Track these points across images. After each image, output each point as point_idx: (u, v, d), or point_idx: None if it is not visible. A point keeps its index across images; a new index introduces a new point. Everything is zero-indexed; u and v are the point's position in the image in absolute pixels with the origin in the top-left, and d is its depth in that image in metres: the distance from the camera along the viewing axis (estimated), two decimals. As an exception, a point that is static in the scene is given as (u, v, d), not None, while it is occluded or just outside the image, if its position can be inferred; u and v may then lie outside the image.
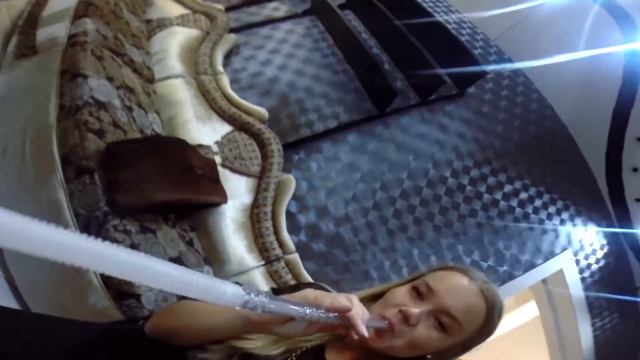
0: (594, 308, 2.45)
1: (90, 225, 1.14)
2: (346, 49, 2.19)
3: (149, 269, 0.26)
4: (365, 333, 0.48)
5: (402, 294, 0.60)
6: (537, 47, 2.51)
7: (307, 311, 0.42)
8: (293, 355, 0.58)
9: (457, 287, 0.59)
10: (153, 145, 1.37)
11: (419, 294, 0.59)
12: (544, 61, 2.36)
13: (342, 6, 2.44)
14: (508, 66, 2.54)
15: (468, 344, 0.61)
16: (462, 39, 2.52)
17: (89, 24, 1.51)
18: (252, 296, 0.35)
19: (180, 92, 1.81)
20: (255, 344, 0.57)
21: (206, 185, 1.44)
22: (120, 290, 1.12)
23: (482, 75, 2.15)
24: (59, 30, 1.51)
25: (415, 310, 0.56)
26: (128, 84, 1.53)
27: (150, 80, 1.82)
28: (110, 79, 1.42)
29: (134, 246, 1.14)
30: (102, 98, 1.31)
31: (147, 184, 1.23)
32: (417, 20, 2.20)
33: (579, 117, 2.47)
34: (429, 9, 2.47)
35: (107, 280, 1.13)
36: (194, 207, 1.48)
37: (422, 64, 2.00)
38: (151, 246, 1.21)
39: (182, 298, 1.31)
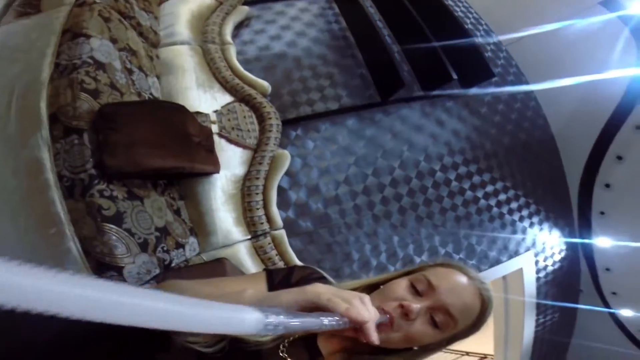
0: (540, 305, 2.64)
1: (74, 188, 1.07)
2: (359, 33, 2.11)
3: (164, 314, 0.22)
4: (377, 340, 0.46)
5: (401, 288, 0.59)
6: (546, 61, 2.51)
7: (325, 322, 0.41)
8: (285, 341, 0.55)
9: (457, 286, 0.58)
10: (150, 109, 1.29)
11: (417, 290, 0.58)
12: (549, 84, 2.39)
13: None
14: (513, 76, 2.55)
15: (455, 339, 0.61)
16: (476, 39, 2.48)
17: None
18: (272, 319, 0.33)
19: (184, 58, 1.73)
20: None
21: (201, 154, 1.38)
22: (101, 261, 1.06)
23: (489, 77, 2.15)
24: None
25: (416, 305, 0.56)
26: (132, 47, 1.46)
27: (155, 44, 1.73)
28: (114, 41, 1.35)
29: (119, 214, 1.09)
30: (102, 59, 1.25)
31: (139, 149, 1.16)
32: (435, 16, 2.13)
33: (569, 129, 2.53)
34: (448, 4, 2.40)
35: (88, 248, 1.07)
36: (187, 174, 1.41)
37: (433, 58, 1.97)
38: (137, 214, 1.16)
39: (166, 272, 1.29)
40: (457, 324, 0.57)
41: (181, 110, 1.37)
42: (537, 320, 2.76)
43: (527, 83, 2.57)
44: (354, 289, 0.60)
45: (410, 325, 0.55)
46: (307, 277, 0.67)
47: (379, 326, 0.53)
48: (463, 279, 0.59)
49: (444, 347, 0.62)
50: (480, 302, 0.59)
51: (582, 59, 2.29)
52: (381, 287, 0.62)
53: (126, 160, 1.13)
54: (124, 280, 1.11)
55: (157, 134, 1.22)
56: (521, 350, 2.86)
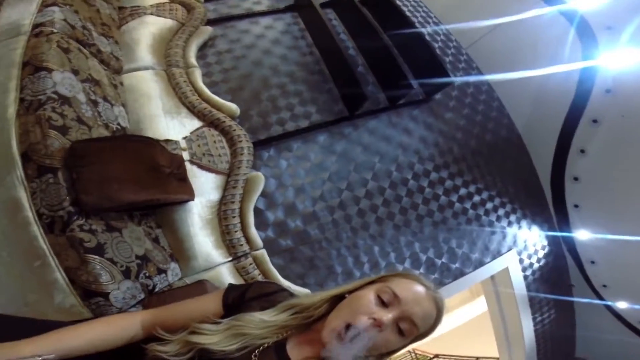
0: (534, 304, 2.75)
1: (54, 225, 1.13)
2: (323, 48, 2.23)
3: None
4: None
5: (368, 301, 0.64)
6: (504, 58, 2.68)
7: None
8: (256, 350, 0.62)
9: (418, 297, 0.65)
10: (119, 144, 1.35)
11: (383, 300, 0.64)
12: (509, 75, 2.57)
13: (324, 4, 2.46)
14: (475, 77, 2.74)
15: (413, 342, 0.68)
16: (436, 45, 2.68)
17: (57, 13, 1.43)
18: None
19: (149, 84, 1.76)
20: (211, 339, 0.61)
21: (173, 184, 1.44)
22: (87, 289, 1.13)
23: (448, 84, 2.31)
24: (23, 17, 1.41)
25: (387, 318, 0.62)
26: (94, 77, 1.47)
27: (118, 71, 1.75)
28: (75, 72, 1.36)
29: (100, 245, 1.16)
30: (66, 93, 1.27)
31: (112, 184, 1.22)
32: (396, 28, 2.28)
33: (533, 126, 2.69)
34: (408, 14, 2.58)
35: (73, 278, 1.13)
36: (161, 204, 1.47)
37: (395, 69, 2.11)
38: (117, 244, 1.22)
39: (151, 297, 1.34)
40: (419, 330, 0.65)
41: (150, 143, 1.44)
42: (534, 319, 2.82)
43: (488, 83, 2.74)
44: (321, 299, 0.69)
45: (379, 335, 0.61)
46: (266, 294, 0.74)
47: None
48: (422, 289, 0.66)
49: (401, 349, 0.69)
50: (436, 309, 0.66)
51: (535, 55, 2.46)
52: (347, 296, 0.68)
53: (100, 196, 1.20)
54: (111, 305, 1.16)
55: (128, 169, 1.29)
56: (525, 350, 2.88)
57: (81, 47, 1.51)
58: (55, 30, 1.39)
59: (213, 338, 0.61)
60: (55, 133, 1.19)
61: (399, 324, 0.63)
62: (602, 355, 3.05)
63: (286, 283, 1.57)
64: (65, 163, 1.18)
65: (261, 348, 0.63)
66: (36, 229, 1.14)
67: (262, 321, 0.64)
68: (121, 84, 1.74)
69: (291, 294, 0.76)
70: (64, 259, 1.13)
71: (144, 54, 1.90)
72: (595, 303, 2.92)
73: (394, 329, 0.63)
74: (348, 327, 0.61)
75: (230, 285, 0.76)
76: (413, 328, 0.63)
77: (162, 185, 1.37)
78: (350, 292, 0.69)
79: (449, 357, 3.90)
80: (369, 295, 0.65)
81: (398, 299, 0.64)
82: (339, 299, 0.69)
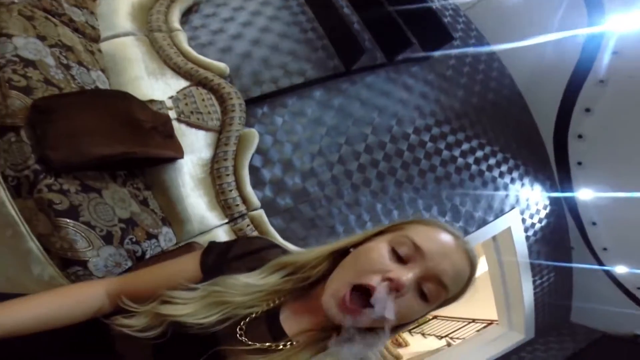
0: (535, 266, 2.72)
1: (21, 187, 1.04)
2: (316, 7, 2.12)
3: None
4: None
5: (380, 255, 0.50)
6: (503, 23, 2.60)
7: None
8: (242, 323, 0.50)
9: (448, 248, 0.51)
10: (88, 98, 1.25)
11: (400, 255, 0.50)
12: (510, 45, 2.49)
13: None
14: (474, 40, 2.64)
15: (436, 309, 0.54)
16: (434, 5, 2.56)
17: None
18: None
19: (130, 49, 1.68)
20: (183, 309, 0.49)
21: (156, 139, 1.34)
22: (63, 257, 1.04)
23: (449, 40, 2.21)
24: None
25: (407, 277, 0.47)
26: (65, 43, 1.41)
27: (95, 39, 1.68)
28: (42, 38, 1.30)
29: (73, 207, 1.06)
30: (30, 56, 1.20)
31: (82, 138, 1.12)
32: None
33: (535, 86, 2.61)
34: None
35: (48, 246, 1.04)
36: (147, 162, 1.39)
37: (392, 25, 2.01)
38: (95, 207, 1.13)
39: (139, 263, 1.26)
40: (448, 293, 0.50)
41: (125, 96, 1.33)
42: (534, 282, 2.81)
43: (488, 45, 2.66)
44: (319, 256, 0.56)
45: (400, 302, 0.48)
46: (253, 252, 0.61)
47: (353, 310, 0.47)
48: (450, 239, 0.52)
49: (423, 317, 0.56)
50: (470, 264, 0.52)
51: (537, 18, 2.39)
52: (351, 251, 0.54)
53: (69, 151, 1.10)
54: (91, 274, 1.07)
55: (100, 122, 1.19)
56: (524, 314, 2.90)
57: (49, 16, 1.43)
58: (16, 1, 1.31)
59: (187, 308, 0.49)
60: (16, 93, 1.10)
61: (421, 285, 0.49)
62: (596, 321, 3.07)
63: (287, 245, 1.50)
64: (29, 121, 1.08)
65: (247, 319, 0.51)
66: (3, 194, 1.04)
67: (247, 285, 0.52)
68: (99, 50, 1.65)
69: (285, 252, 0.62)
70: (36, 225, 1.04)
71: (123, 21, 1.80)
72: (593, 268, 2.94)
73: (415, 292, 0.49)
74: (354, 290, 0.48)
75: (211, 243, 0.63)
76: (440, 290, 0.49)
77: (141, 138, 1.26)
78: (356, 245, 0.55)
79: (447, 318, 3.95)
80: (380, 248, 0.51)
81: (420, 252, 0.49)
82: (341, 255, 0.55)
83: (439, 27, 2.07)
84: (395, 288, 0.47)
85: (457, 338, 3.79)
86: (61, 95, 1.20)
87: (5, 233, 1.04)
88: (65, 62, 1.34)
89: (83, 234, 1.06)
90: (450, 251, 0.50)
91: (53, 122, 1.09)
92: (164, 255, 1.31)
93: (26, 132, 1.07)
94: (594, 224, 2.82)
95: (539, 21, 2.40)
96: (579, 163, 2.66)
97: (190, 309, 0.49)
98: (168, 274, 0.59)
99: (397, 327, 0.51)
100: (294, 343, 0.50)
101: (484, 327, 3.62)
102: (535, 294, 2.86)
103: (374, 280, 0.47)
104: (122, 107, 1.28)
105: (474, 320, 3.79)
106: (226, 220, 1.50)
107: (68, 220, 1.04)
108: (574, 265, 3.07)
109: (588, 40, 2.17)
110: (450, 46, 2.37)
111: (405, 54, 2.13)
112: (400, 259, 0.50)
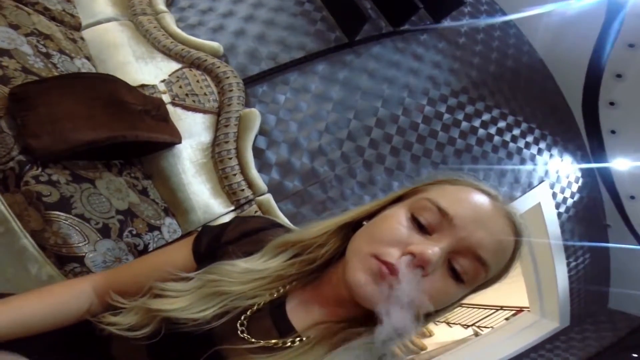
0: (568, 247, 2.54)
1: (7, 180, 1.00)
2: None
3: None
4: None
5: (400, 224, 0.41)
6: None
7: None
8: (242, 318, 0.44)
9: (482, 212, 0.41)
10: (69, 82, 1.19)
11: (422, 224, 0.41)
12: (529, 12, 2.35)
13: None
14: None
15: (475, 291, 0.45)
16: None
17: None
18: None
19: (114, 34, 1.63)
20: (177, 303, 0.43)
21: (148, 122, 1.28)
22: (58, 253, 1.00)
23: (458, 5, 2.08)
24: None
25: (434, 251, 0.38)
26: (42, 31, 1.35)
27: (76, 27, 1.63)
28: (14, 27, 1.24)
29: (64, 199, 1.01)
30: (3, 45, 1.15)
31: (65, 124, 1.07)
32: None
33: (558, 52, 2.47)
34: None
35: (42, 242, 0.99)
36: (142, 150, 1.33)
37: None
38: (88, 197, 1.08)
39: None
40: (489, 271, 0.41)
41: (109, 78, 1.26)
42: (568, 264, 2.63)
43: (503, 12, 2.50)
44: (325, 233, 0.47)
45: (427, 283, 0.39)
46: (251, 232, 0.54)
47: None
48: (486, 201, 0.42)
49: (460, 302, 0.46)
50: (514, 233, 0.42)
51: None
52: (364, 224, 0.46)
53: (53, 138, 1.05)
54: (89, 271, 1.02)
55: (83, 106, 1.12)
56: (558, 300, 2.72)
57: (20, 5, 1.36)
58: None
59: (180, 301, 0.43)
60: None
61: (452, 261, 0.40)
62: (637, 307, 2.85)
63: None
64: (7, 110, 1.03)
65: (249, 313, 0.44)
66: None
67: (246, 271, 0.46)
68: (82, 39, 1.59)
69: (287, 231, 0.55)
70: (27, 221, 1.00)
71: (104, 7, 1.74)
72: (633, 248, 2.75)
73: (446, 270, 0.40)
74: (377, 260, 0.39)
75: (204, 228, 0.57)
76: (478, 268, 0.40)
77: (130, 122, 1.19)
78: (371, 216, 0.47)
79: (473, 305, 3.79)
80: (399, 215, 0.42)
81: (448, 218, 0.40)
82: (353, 229, 0.47)
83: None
84: (419, 264, 0.38)
85: (485, 327, 3.63)
86: (39, 80, 1.14)
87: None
88: (44, 50, 1.29)
89: (77, 228, 1.01)
90: (487, 216, 0.41)
91: (32, 109, 1.04)
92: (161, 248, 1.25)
93: (6, 122, 1.02)
94: (632, 197, 2.63)
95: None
96: (613, 132, 2.50)
97: (184, 302, 0.43)
98: (158, 264, 0.53)
99: (429, 316, 0.41)
100: (304, 339, 0.42)
101: (514, 314, 3.46)
102: (570, 277, 2.67)
103: (392, 256, 0.39)
104: (107, 89, 1.21)
105: (502, 308, 3.63)
106: (232, 208, 1.43)
107: (59, 213, 0.99)
108: (611, 245, 2.87)
109: (611, 2, 2.05)
110: (461, 13, 2.24)
111: (413, 22, 2.01)
112: (424, 229, 0.41)
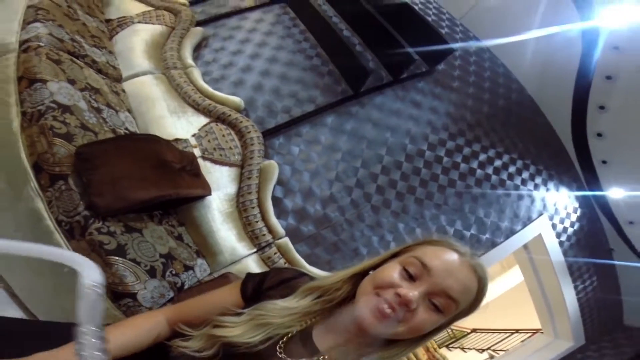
0: (574, 271, 2.70)
1: (74, 230, 1.18)
2: (318, 33, 2.29)
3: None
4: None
5: (394, 274, 0.59)
6: (499, 26, 2.74)
7: None
8: (280, 342, 0.60)
9: (453, 266, 0.59)
10: (123, 144, 1.40)
11: (410, 274, 0.59)
12: (507, 39, 2.60)
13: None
14: (474, 44, 2.77)
15: (455, 320, 0.63)
16: (429, 18, 2.72)
17: (40, 29, 1.48)
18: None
19: (150, 88, 1.84)
20: (234, 331, 0.60)
21: (186, 179, 1.48)
22: (115, 290, 1.17)
23: (449, 52, 2.34)
24: (8, 36, 1.46)
25: (413, 293, 0.56)
26: (93, 85, 1.54)
27: (118, 79, 1.84)
28: (71, 82, 1.41)
29: (120, 246, 1.19)
30: (65, 101, 1.31)
31: (122, 184, 1.26)
32: (385, 2, 2.36)
33: (544, 88, 2.68)
34: None
35: None
36: (179, 202, 1.52)
37: (392, 44, 2.15)
38: (138, 245, 1.26)
39: (180, 294, 1.37)
40: (459, 306, 0.59)
41: (154, 139, 1.48)
42: (575, 287, 2.76)
43: (489, 51, 2.76)
44: (341, 279, 0.67)
45: (413, 316, 0.57)
46: (285, 280, 0.73)
47: (381, 318, 0.57)
48: (456, 258, 0.60)
49: (446, 328, 0.67)
50: (476, 278, 0.60)
51: (529, 19, 2.48)
52: (370, 273, 0.65)
53: (113, 197, 1.24)
54: (140, 305, 1.20)
55: (136, 167, 1.33)
56: (570, 320, 2.83)
57: (73, 59, 1.56)
58: (42, 44, 1.43)
59: (236, 330, 0.60)
60: (60, 141, 1.24)
61: (432, 300, 0.58)
62: None
63: (313, 270, 1.59)
64: (74, 168, 1.23)
65: (285, 338, 0.62)
66: (58, 237, 1.19)
67: (285, 308, 0.63)
68: (123, 91, 1.82)
69: (312, 278, 0.74)
70: None
71: (141, 60, 1.98)
72: (638, 266, 2.87)
73: (428, 305, 0.58)
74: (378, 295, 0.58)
75: (248, 275, 0.74)
76: (450, 303, 0.58)
77: (172, 180, 1.41)
78: (374, 267, 0.65)
79: (487, 330, 3.83)
80: (392, 269, 0.61)
81: (427, 270, 0.58)
82: (361, 277, 0.65)
83: (439, 41, 2.20)
84: (404, 303, 0.56)
85: (501, 350, 3.68)
86: (98, 142, 1.34)
87: (63, 269, 1.18)
88: (95, 105, 1.46)
89: (131, 270, 1.20)
90: (454, 268, 0.59)
91: (96, 169, 1.23)
92: (201, 286, 1.43)
93: (73, 180, 1.21)
94: (631, 223, 2.78)
95: (529, 19, 2.46)
96: (604, 162, 2.66)
97: (239, 330, 0.60)
98: (214, 303, 0.71)
99: (419, 339, 0.61)
100: (327, 357, 0.60)
101: (529, 337, 3.52)
102: (579, 299, 2.80)
103: (388, 294, 0.57)
104: (152, 150, 1.43)
105: (517, 331, 3.69)
106: (255, 250, 1.62)
107: (117, 258, 1.18)
108: (615, 262, 3.00)
109: (585, 37, 2.23)
110: (453, 57, 2.51)
111: (410, 70, 2.26)
112: (411, 277, 0.59)
